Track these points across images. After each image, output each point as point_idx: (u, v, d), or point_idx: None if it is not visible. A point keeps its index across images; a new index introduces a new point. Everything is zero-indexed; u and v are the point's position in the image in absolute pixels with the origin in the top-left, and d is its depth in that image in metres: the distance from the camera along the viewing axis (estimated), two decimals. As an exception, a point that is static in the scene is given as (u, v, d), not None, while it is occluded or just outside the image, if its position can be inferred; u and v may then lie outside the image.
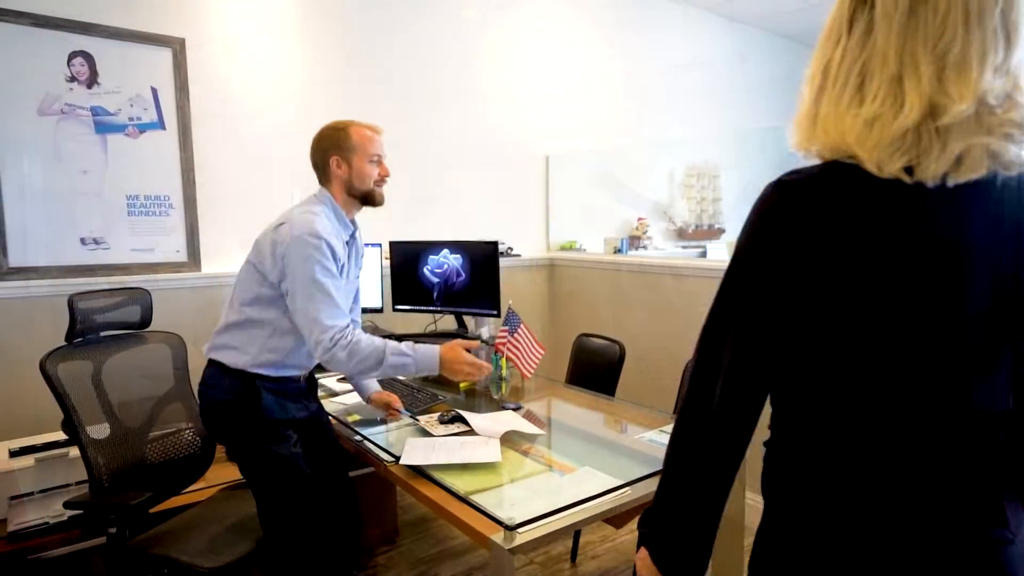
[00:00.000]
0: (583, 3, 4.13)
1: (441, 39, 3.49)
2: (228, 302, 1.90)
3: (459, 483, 1.69)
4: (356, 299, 2.10)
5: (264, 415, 1.82)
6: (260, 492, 1.84)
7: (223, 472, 2.32)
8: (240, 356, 1.82)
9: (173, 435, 2.06)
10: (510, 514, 1.48)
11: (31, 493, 2.09)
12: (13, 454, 2.14)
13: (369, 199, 1.93)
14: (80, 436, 1.74)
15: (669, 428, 2.04)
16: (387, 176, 1.93)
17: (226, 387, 1.82)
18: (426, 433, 2.02)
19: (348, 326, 1.79)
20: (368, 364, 1.79)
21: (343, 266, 1.86)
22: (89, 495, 1.77)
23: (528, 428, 2.05)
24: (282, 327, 1.84)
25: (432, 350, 1.90)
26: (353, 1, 3.16)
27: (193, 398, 2.13)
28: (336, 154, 1.86)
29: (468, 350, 1.93)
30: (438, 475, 1.73)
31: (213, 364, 1.85)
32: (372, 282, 2.99)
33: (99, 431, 1.84)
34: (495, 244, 2.85)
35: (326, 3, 3.08)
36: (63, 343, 1.85)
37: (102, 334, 1.95)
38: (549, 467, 1.79)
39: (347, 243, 1.93)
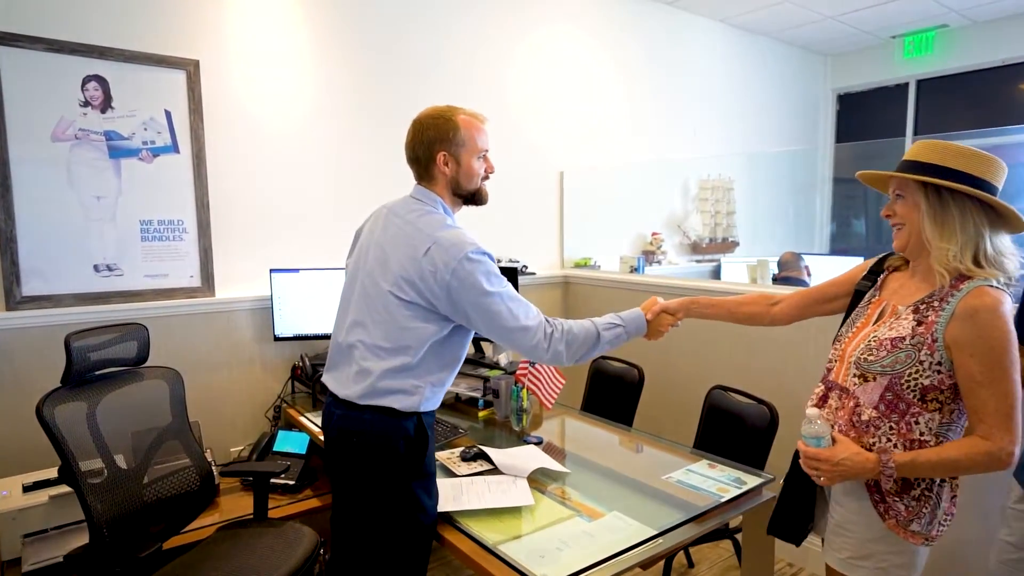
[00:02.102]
0: (596, 18, 4.08)
1: (455, 58, 3.45)
2: (354, 340, 1.63)
3: (486, 530, 1.65)
4: None
5: (428, 456, 1.65)
6: (381, 546, 1.62)
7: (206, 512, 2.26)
8: (409, 398, 1.59)
9: (172, 475, 2.01)
10: (543, 571, 1.44)
11: (45, 530, 2.06)
12: (27, 489, 2.11)
13: (476, 198, 1.73)
14: (79, 483, 1.69)
15: (695, 467, 2.01)
16: (492, 172, 1.73)
17: (399, 433, 1.58)
18: (449, 472, 1.98)
19: (545, 318, 1.65)
20: (587, 346, 1.68)
21: None
22: (89, 544, 1.72)
23: (552, 465, 2.01)
24: (451, 356, 1.67)
25: (637, 313, 1.82)
26: (367, 21, 3.12)
27: (191, 433, 2.09)
28: (443, 149, 1.62)
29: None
30: (464, 521, 1.69)
31: (374, 410, 1.58)
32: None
33: (96, 475, 1.78)
34: (515, 269, 2.80)
35: (341, 24, 3.04)
36: (59, 385, 1.78)
37: (97, 372, 1.89)
38: (575, 511, 1.74)
39: None
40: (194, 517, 2.07)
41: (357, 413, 1.60)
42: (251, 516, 2.17)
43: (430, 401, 1.65)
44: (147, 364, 2.05)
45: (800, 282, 3.73)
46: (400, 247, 1.59)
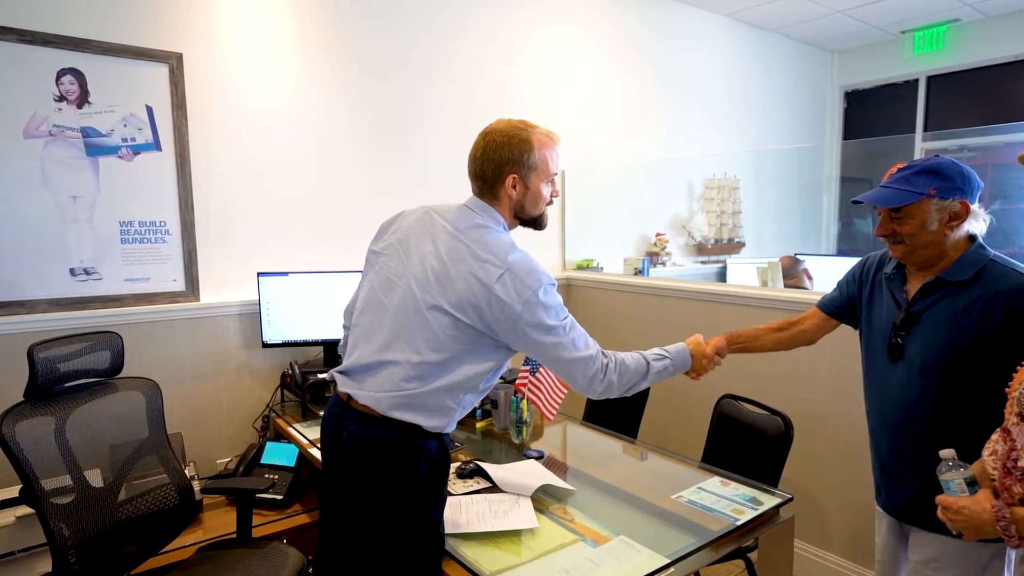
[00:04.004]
0: (599, 14, 3.95)
1: (452, 54, 3.32)
2: (392, 348, 1.48)
3: (482, 557, 1.52)
4: None
5: (444, 478, 1.55)
6: (397, 565, 1.49)
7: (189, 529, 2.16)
8: (441, 418, 1.48)
9: (149, 492, 1.88)
10: (544, 609, 1.31)
11: (12, 553, 1.93)
12: (-7, 508, 1.98)
13: (538, 223, 1.62)
14: (41, 504, 1.56)
15: (707, 485, 1.88)
16: (556, 197, 1.63)
17: (421, 453, 1.46)
18: (442, 490, 1.85)
19: (599, 348, 1.58)
20: (638, 377, 1.62)
21: None
22: (53, 572, 1.59)
23: (555, 482, 1.88)
24: (490, 380, 1.57)
25: (682, 347, 1.74)
26: (359, 16, 2.99)
27: (169, 447, 1.96)
28: (515, 171, 1.51)
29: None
30: (457, 545, 1.57)
31: (398, 426, 1.45)
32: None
33: (64, 494, 1.65)
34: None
35: (332, 20, 2.91)
36: (21, 400, 1.65)
37: (67, 384, 1.76)
38: (579, 535, 1.62)
39: None
40: (173, 537, 1.94)
41: (376, 427, 1.45)
42: (234, 536, 2.05)
43: (455, 423, 1.55)
44: (123, 375, 1.92)
45: (800, 289, 3.60)
46: (465, 266, 1.44)
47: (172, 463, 1.96)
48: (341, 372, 1.56)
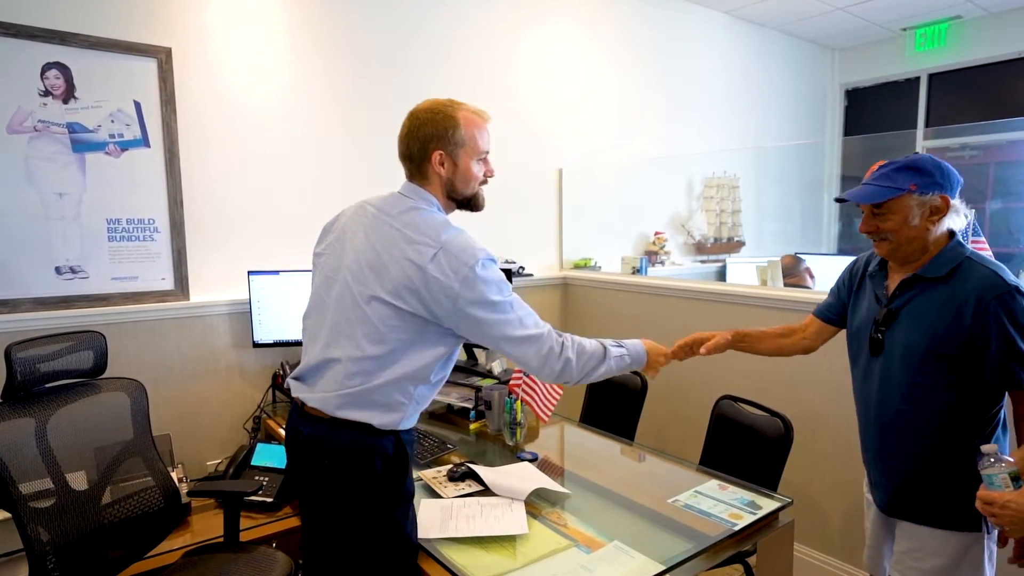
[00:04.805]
0: (597, 10, 3.91)
1: (447, 49, 3.27)
2: (335, 352, 1.45)
3: (471, 562, 1.47)
4: None
5: (408, 479, 1.49)
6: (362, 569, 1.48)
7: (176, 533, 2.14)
8: (390, 415, 1.43)
9: (134, 495, 1.84)
10: (534, 618, 1.26)
11: (-8, 558, 1.89)
12: (-27, 512, 1.93)
13: (472, 204, 1.59)
14: (17, 509, 1.52)
15: (704, 488, 1.84)
16: (492, 176, 1.59)
17: (376, 451, 1.42)
18: (434, 493, 1.81)
19: (551, 328, 1.53)
20: (595, 360, 1.56)
21: None
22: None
23: (549, 485, 1.84)
24: (442, 372, 1.52)
25: (637, 342, 1.70)
26: (353, 13, 2.95)
27: (155, 449, 1.92)
28: (440, 148, 1.47)
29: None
30: (447, 551, 1.52)
31: (349, 426, 1.41)
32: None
33: (44, 498, 1.61)
34: (508, 271, 2.62)
35: (323, 13, 2.87)
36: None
37: (47, 385, 1.72)
38: (572, 540, 1.57)
39: None
40: (158, 541, 1.90)
41: (327, 429, 1.42)
42: (222, 540, 2.00)
43: (411, 418, 1.48)
44: (110, 375, 1.88)
45: (802, 288, 3.55)
46: (398, 251, 1.41)
47: (157, 465, 1.91)
48: (295, 378, 1.54)
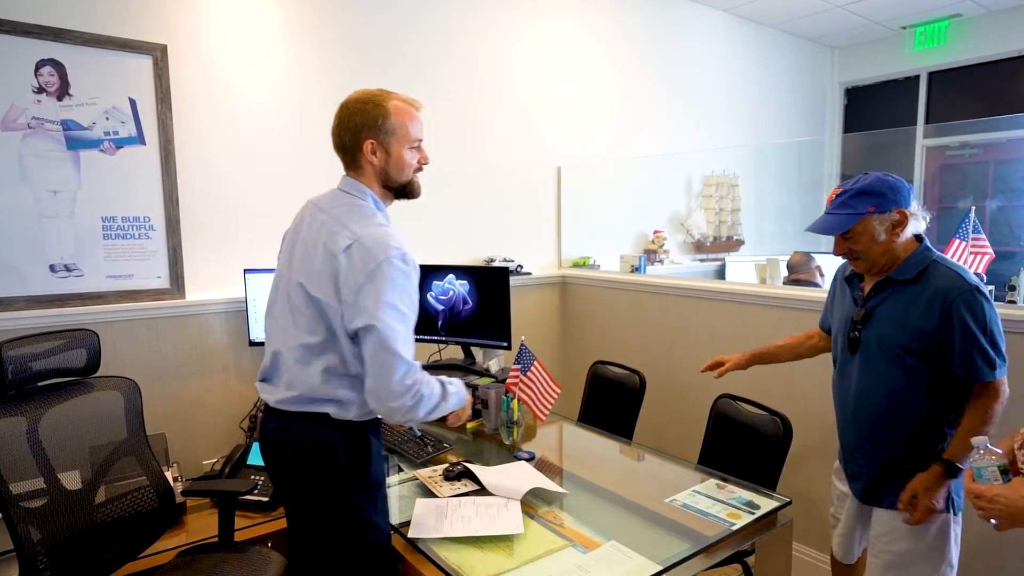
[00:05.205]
0: (596, 8, 3.89)
1: (444, 45, 3.26)
2: (281, 345, 1.50)
3: (465, 563, 1.46)
4: None
5: (372, 468, 1.50)
6: (331, 569, 1.51)
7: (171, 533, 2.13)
8: (342, 409, 1.45)
9: (127, 495, 1.82)
10: (529, 619, 1.25)
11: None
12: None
13: (408, 191, 1.58)
14: (9, 510, 1.50)
15: (702, 488, 1.82)
16: (427, 164, 1.59)
17: (337, 443, 1.45)
18: (430, 493, 1.79)
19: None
20: (436, 399, 1.49)
21: None
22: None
23: (546, 484, 1.82)
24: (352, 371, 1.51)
25: (459, 381, 1.64)
26: (349, 10, 2.93)
27: (149, 448, 1.90)
28: (371, 137, 1.48)
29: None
30: (442, 551, 1.51)
31: (308, 418, 1.46)
32: (371, 308, 2.75)
33: (35, 497, 1.59)
34: (505, 270, 2.61)
35: (320, 10, 2.85)
36: None
37: (40, 384, 1.70)
38: (569, 540, 1.56)
39: None
40: (152, 540, 1.89)
41: (290, 423, 1.48)
42: (216, 539, 1.99)
43: (365, 413, 1.50)
44: (105, 374, 1.87)
45: (812, 285, 3.52)
46: (322, 241, 1.44)
47: (151, 465, 1.89)
48: (260, 379, 1.60)
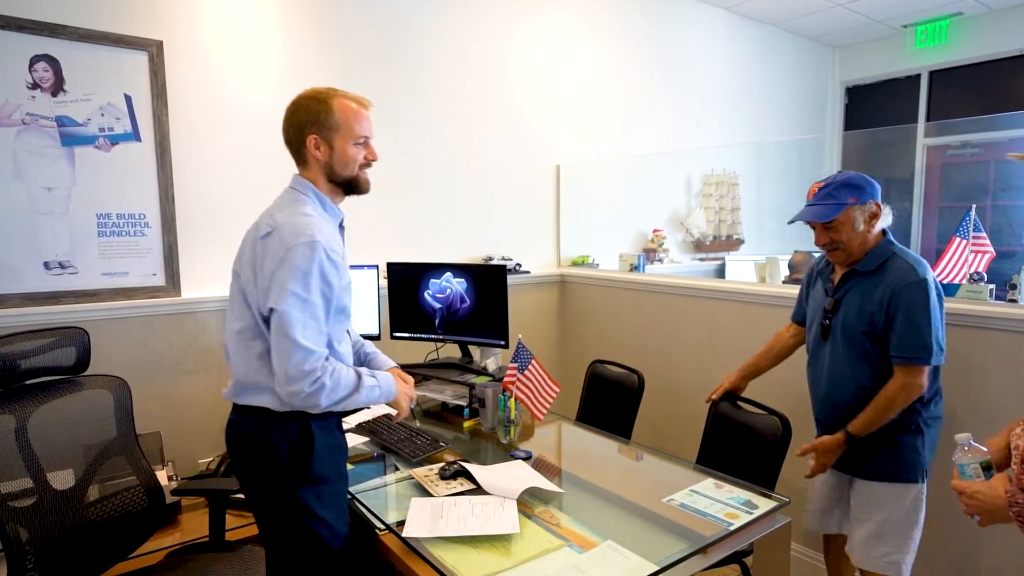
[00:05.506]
0: (595, 5, 3.87)
1: (448, 43, 3.24)
2: (227, 338, 1.56)
3: (460, 562, 1.44)
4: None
5: (314, 467, 1.49)
6: (288, 562, 1.52)
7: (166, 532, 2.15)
8: (274, 398, 1.46)
9: (117, 495, 1.80)
10: (524, 620, 1.23)
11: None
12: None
13: (355, 186, 1.61)
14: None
15: (700, 487, 1.80)
16: (374, 160, 1.61)
17: (279, 436, 1.47)
18: (425, 492, 1.78)
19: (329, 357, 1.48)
20: (349, 389, 1.48)
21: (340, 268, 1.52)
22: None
23: (542, 483, 1.80)
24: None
25: (388, 376, 1.62)
26: (345, 6, 2.91)
27: (138, 447, 1.88)
28: (314, 132, 1.52)
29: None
30: (436, 550, 1.49)
31: (251, 412, 1.49)
32: (368, 306, 2.74)
33: (24, 497, 1.58)
34: (502, 268, 2.59)
35: (316, 6, 2.83)
36: None
37: (28, 382, 1.69)
38: (565, 540, 1.54)
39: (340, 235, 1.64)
40: (142, 540, 1.86)
41: (238, 416, 1.53)
42: (207, 539, 1.97)
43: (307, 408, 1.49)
44: (100, 372, 1.86)
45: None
46: (252, 232, 1.52)
47: (141, 464, 1.87)
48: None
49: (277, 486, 1.47)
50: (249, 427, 1.50)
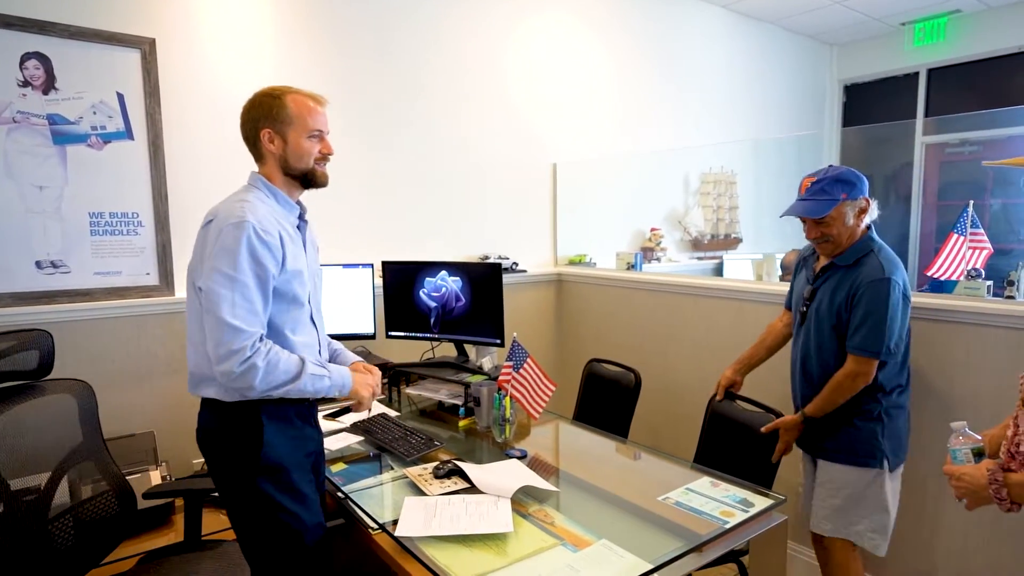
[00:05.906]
0: (593, 2, 3.86)
1: (445, 42, 3.23)
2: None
3: (453, 561, 1.43)
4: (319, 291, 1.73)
5: (266, 455, 1.48)
6: (260, 556, 1.53)
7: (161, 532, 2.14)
8: (221, 389, 1.48)
9: (86, 502, 1.75)
10: (516, 620, 1.22)
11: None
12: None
13: (310, 179, 1.62)
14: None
15: (696, 486, 1.79)
16: (330, 154, 1.63)
17: (228, 425, 1.49)
18: (419, 491, 1.76)
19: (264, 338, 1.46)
20: (288, 376, 1.45)
21: (284, 258, 1.50)
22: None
23: (536, 482, 1.79)
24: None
25: (344, 371, 1.61)
26: (341, 3, 2.90)
27: (107, 452, 1.83)
28: (268, 126, 1.56)
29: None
30: (430, 550, 1.47)
31: (204, 404, 1.55)
32: (364, 305, 2.72)
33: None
34: (498, 266, 2.58)
35: (311, 3, 2.82)
36: None
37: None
38: (559, 539, 1.52)
39: (297, 226, 1.62)
40: (113, 547, 1.79)
41: (200, 411, 1.56)
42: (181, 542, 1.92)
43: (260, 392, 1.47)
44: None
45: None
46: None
47: (110, 468, 1.81)
48: None
49: (236, 477, 1.49)
50: (206, 420, 1.54)
